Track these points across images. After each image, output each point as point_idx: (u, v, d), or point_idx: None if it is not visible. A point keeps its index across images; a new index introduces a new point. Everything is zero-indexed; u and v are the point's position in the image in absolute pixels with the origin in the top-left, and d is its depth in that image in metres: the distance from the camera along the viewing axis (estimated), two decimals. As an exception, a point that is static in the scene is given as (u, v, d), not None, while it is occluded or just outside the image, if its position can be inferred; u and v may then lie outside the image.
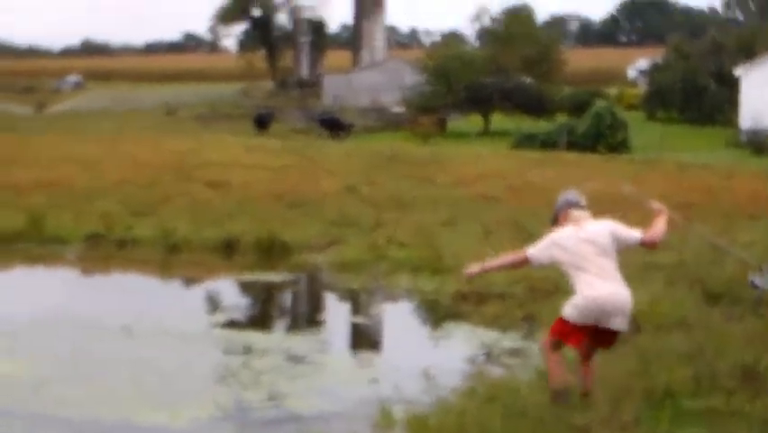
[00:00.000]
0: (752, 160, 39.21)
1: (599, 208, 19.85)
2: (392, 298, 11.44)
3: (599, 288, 5.93)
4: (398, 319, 10.43)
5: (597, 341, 5.99)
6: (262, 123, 42.49)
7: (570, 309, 6.07)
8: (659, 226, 6.11)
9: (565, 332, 6.02)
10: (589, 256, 6.04)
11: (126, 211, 16.10)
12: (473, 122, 46.36)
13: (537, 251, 6.21)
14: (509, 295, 10.37)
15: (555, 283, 10.30)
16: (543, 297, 10.08)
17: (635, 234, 6.17)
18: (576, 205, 6.34)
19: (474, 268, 6.34)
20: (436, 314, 10.40)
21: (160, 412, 6.70)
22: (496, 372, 7.30)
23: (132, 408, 6.78)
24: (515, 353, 8.30)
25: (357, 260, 13.11)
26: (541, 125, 41.26)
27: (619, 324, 5.97)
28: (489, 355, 8.30)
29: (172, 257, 13.90)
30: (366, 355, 8.76)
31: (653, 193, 22.21)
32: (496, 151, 34.49)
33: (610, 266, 6.08)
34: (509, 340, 8.81)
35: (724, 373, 6.28)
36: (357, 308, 11.17)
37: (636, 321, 8.30)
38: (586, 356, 6.02)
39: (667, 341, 7.25)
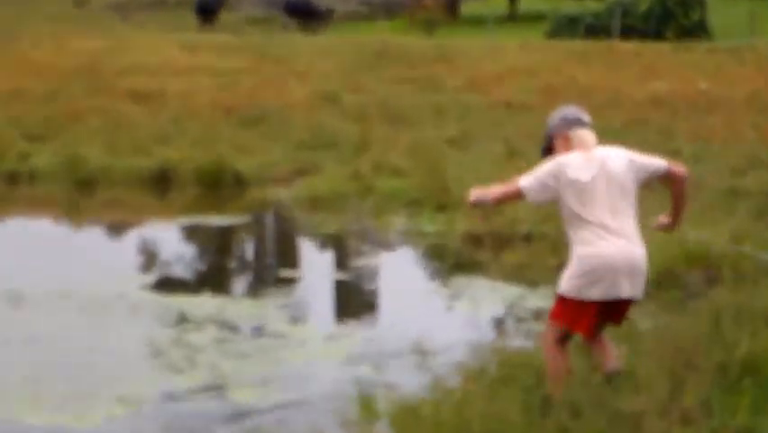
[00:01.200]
0: None
1: (664, 112, 19.75)
2: (382, 244, 11.38)
3: (603, 245, 5.70)
4: (390, 274, 10.37)
5: (605, 317, 5.81)
6: (207, 11, 42.01)
7: (568, 282, 5.88)
8: None
9: (570, 316, 5.79)
10: (602, 196, 5.75)
11: (20, 133, 15.98)
12: (495, 2, 45.94)
13: (535, 181, 5.91)
14: (539, 236, 10.29)
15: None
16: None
17: (659, 162, 5.91)
18: (578, 123, 6.05)
19: (475, 193, 6.18)
20: (441, 265, 10.35)
21: (61, 410, 6.63)
22: (517, 343, 7.22)
23: (22, 406, 6.71)
24: (544, 315, 8.22)
25: (335, 194, 13.07)
26: (587, 5, 40.86)
27: (631, 290, 5.75)
28: (510, 320, 8.23)
29: (83, 195, 13.83)
30: (344, 324, 8.70)
31: (740, 93, 22.34)
32: (525, 41, 34.22)
33: (627, 212, 5.80)
34: (537, 298, 8.75)
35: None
36: (334, 260, 11.10)
37: (712, 268, 8.27)
38: (593, 337, 5.87)
39: (753, 295, 7.16)
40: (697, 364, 5.69)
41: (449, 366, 6.66)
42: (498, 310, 8.50)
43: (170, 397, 6.85)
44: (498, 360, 6.42)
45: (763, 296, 7.03)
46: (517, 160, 14.30)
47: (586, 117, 6.10)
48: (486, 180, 12.59)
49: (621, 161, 5.85)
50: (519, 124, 17.75)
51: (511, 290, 9.05)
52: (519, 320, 8.23)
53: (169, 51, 25.54)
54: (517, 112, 19.75)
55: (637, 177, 5.84)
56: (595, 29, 35.80)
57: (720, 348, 5.92)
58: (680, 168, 5.94)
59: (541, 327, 7.79)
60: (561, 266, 9.33)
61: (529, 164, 13.47)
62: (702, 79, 24.20)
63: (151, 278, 10.07)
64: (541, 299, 8.66)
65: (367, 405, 6.07)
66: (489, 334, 7.30)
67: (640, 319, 7.34)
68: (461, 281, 9.54)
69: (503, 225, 10.63)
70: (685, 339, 6.23)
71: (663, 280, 8.19)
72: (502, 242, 10.33)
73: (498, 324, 8.08)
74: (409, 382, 6.54)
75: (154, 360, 7.57)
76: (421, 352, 7.08)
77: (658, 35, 35.03)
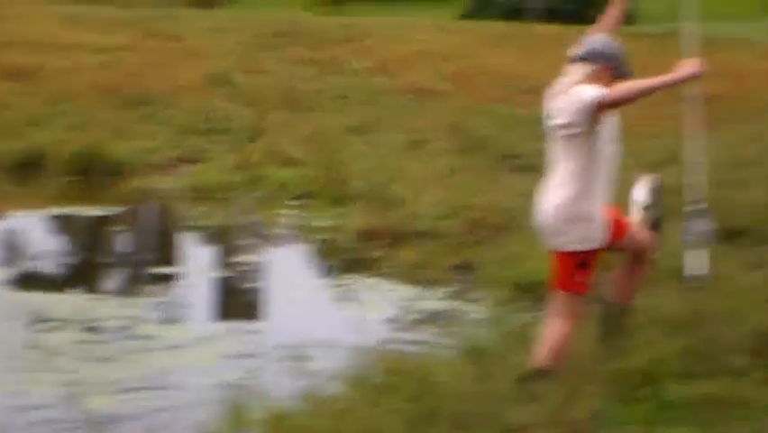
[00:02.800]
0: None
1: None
2: (269, 239, 11.28)
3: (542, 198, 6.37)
4: (276, 271, 10.28)
5: None
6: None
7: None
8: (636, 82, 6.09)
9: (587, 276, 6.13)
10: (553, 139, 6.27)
11: None
12: (408, -21, 46.05)
13: None
14: (439, 233, 10.28)
15: (508, 214, 10.27)
16: (488, 236, 10.03)
17: (593, 91, 6.05)
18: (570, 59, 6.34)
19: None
20: (332, 263, 10.29)
21: None
22: (406, 348, 7.18)
23: None
24: (439, 318, 8.23)
25: (221, 184, 12.96)
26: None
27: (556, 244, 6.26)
28: (401, 323, 8.19)
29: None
30: (221, 326, 8.60)
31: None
32: (438, 22, 34.30)
33: (564, 158, 6.22)
34: (432, 300, 8.73)
35: (731, 346, 6.25)
36: (215, 256, 10.98)
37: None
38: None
39: (659, 298, 7.21)
40: (592, 373, 5.70)
41: (330, 372, 6.58)
42: (389, 312, 8.46)
43: (20, 406, 6.68)
44: (385, 366, 6.35)
45: (670, 299, 7.08)
46: (423, 150, 14.36)
47: (582, 51, 6.34)
48: (387, 172, 12.66)
49: (575, 96, 6.15)
50: (427, 113, 17.78)
51: (405, 291, 9.01)
52: (411, 323, 8.19)
53: (48, 25, 25.11)
54: (426, 99, 19.77)
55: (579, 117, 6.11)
56: (513, 11, 36.03)
57: (623, 354, 5.96)
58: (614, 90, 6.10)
59: (435, 331, 7.81)
60: (460, 266, 9.43)
61: (435, 156, 13.63)
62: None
63: (9, 273, 9.86)
64: (436, 301, 8.65)
65: (237, 413, 5.97)
66: (376, 337, 7.22)
67: (542, 325, 7.35)
68: (352, 280, 9.49)
69: (400, 221, 10.59)
70: (588, 345, 6.25)
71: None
72: (399, 239, 10.28)
73: (388, 327, 8.03)
74: (286, 388, 6.46)
75: (3, 364, 7.39)
76: (300, 356, 7.00)
77: (580, 19, 35.33)
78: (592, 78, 6.14)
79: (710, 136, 15.82)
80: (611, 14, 6.74)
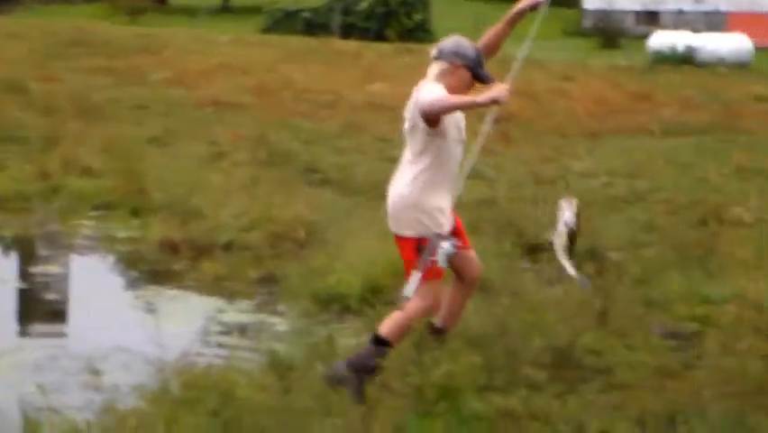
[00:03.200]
0: (599, 54, 41.11)
1: (383, 117, 19.95)
2: (68, 250, 11.00)
3: None
4: (74, 283, 10.01)
5: None
6: None
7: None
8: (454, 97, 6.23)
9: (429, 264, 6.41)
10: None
11: None
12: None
13: None
14: (242, 245, 10.22)
15: (310, 229, 10.29)
16: (290, 249, 10.02)
17: (426, 95, 6.33)
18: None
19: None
20: (133, 274, 10.10)
21: None
22: (206, 361, 7.08)
23: None
24: (241, 331, 8.16)
25: (17, 193, 12.59)
26: (306, 0, 41.22)
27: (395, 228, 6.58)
28: (201, 336, 8.10)
29: None
30: (13, 340, 8.32)
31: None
32: (240, 35, 34.21)
33: (409, 150, 6.58)
34: (235, 312, 8.66)
35: (528, 360, 6.39)
36: (10, 268, 10.65)
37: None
38: None
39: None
40: (393, 387, 5.73)
41: (129, 385, 6.45)
42: (191, 325, 8.34)
43: None
44: (185, 380, 6.26)
45: (467, 314, 7.19)
46: (224, 161, 14.27)
47: (438, 50, 6.61)
48: (188, 184, 12.51)
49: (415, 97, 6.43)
50: (227, 125, 17.68)
51: (207, 303, 8.91)
52: (211, 336, 8.10)
53: None
54: (227, 111, 19.69)
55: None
56: (314, 26, 36.22)
57: (418, 370, 6.01)
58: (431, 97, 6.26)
59: (238, 343, 7.76)
60: (263, 279, 9.38)
61: (236, 168, 13.54)
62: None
63: None
64: (239, 314, 8.59)
65: (31, 430, 5.81)
66: (177, 350, 7.11)
67: (344, 338, 7.38)
68: (153, 293, 9.33)
69: (203, 233, 10.48)
70: (389, 361, 6.29)
71: (370, 294, 8.26)
72: (201, 250, 10.16)
73: (190, 340, 7.91)
74: (82, 402, 6.32)
75: None
76: (98, 369, 6.84)
77: (380, 35, 35.78)
78: (442, 77, 6.43)
79: (509, 154, 16.30)
80: (498, 30, 6.90)
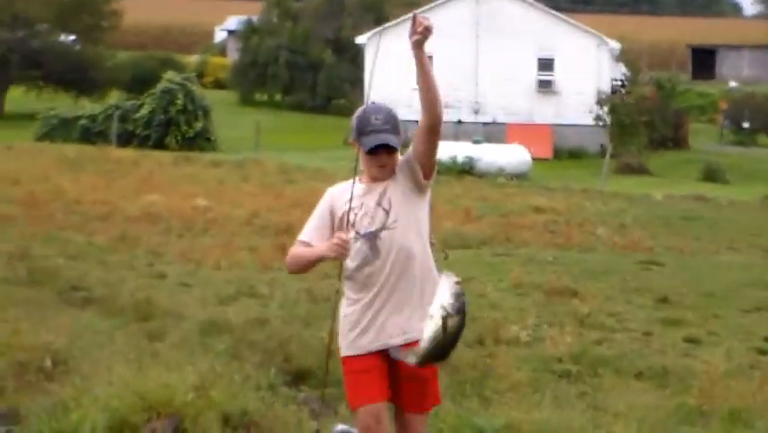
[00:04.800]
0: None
1: (157, 229, 19.11)
2: None
3: None
4: None
5: None
6: None
7: None
8: None
9: None
10: None
11: None
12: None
13: None
14: None
15: (59, 357, 9.50)
16: (36, 381, 9.15)
17: None
18: None
19: None
20: None
21: None
22: None
23: None
24: None
25: None
26: (84, 106, 40.28)
27: None
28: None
29: None
30: None
31: (241, 211, 22.22)
32: (11, 143, 33.07)
33: None
34: None
35: None
36: None
37: (176, 417, 7.71)
38: None
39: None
40: None
41: None
42: None
43: None
44: None
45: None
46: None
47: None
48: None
49: None
50: (-8, 240, 16.71)
51: None
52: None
53: None
54: (-8, 224, 18.65)
55: None
56: (92, 133, 35.29)
57: None
58: None
59: None
60: (4, 415, 8.50)
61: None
62: (202, 197, 24.19)
63: None
64: None
65: None
66: None
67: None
68: None
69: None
70: None
71: (120, 432, 7.52)
72: None
73: None
74: None
75: None
76: None
77: (159, 143, 35.08)
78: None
79: (284, 269, 15.77)
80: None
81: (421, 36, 5.34)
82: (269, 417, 7.76)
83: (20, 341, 9.68)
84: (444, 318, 5.25)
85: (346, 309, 5.80)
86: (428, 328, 5.31)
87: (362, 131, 5.66)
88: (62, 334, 10.12)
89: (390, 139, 5.62)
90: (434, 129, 5.53)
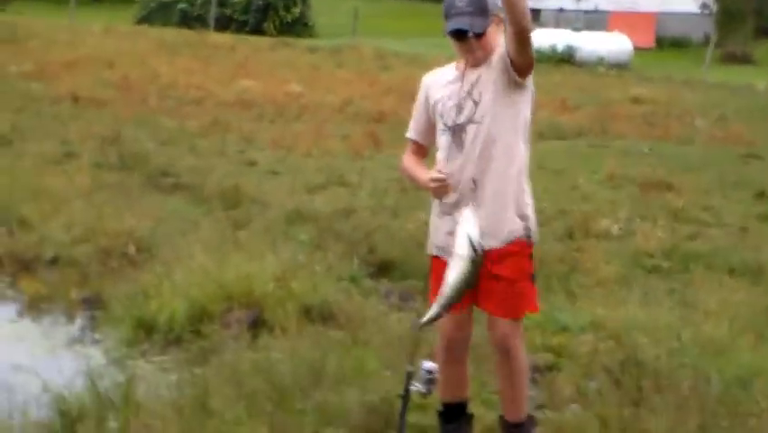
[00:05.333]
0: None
1: (249, 115, 19.11)
2: None
3: None
4: None
5: None
6: None
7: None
8: None
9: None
10: None
11: None
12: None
13: None
14: (69, 261, 9.32)
15: (143, 243, 9.48)
16: (120, 266, 9.14)
17: None
18: None
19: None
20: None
21: None
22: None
23: None
24: (56, 365, 7.30)
25: None
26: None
27: None
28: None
29: None
30: None
31: (335, 99, 22.13)
32: (111, 25, 33.11)
33: None
34: (43, 341, 7.75)
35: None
36: None
37: (257, 308, 7.65)
38: None
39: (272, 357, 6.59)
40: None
41: None
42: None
43: None
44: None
45: (299, 349, 6.49)
46: (69, 164, 13.39)
47: None
48: (23, 190, 11.51)
49: None
50: (84, 122, 16.80)
51: (16, 330, 8.03)
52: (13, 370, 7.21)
53: None
54: (86, 107, 18.73)
55: None
56: (190, 17, 35.24)
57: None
58: None
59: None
60: (87, 300, 8.52)
61: (82, 171, 12.62)
62: (296, 83, 24.04)
63: None
64: (53, 342, 7.72)
65: None
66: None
67: (160, 373, 6.65)
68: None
69: (28, 246, 9.58)
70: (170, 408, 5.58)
71: (199, 321, 7.49)
72: (24, 265, 9.27)
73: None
74: None
75: None
76: None
77: (257, 28, 34.93)
78: None
79: (376, 158, 15.64)
80: None
81: None
82: (349, 309, 7.66)
83: (105, 226, 9.71)
84: (473, 260, 5.00)
85: (434, 205, 5.52)
86: (454, 270, 5.03)
87: (447, 13, 5.28)
88: (147, 219, 10.12)
89: (467, 23, 5.19)
90: (521, 38, 5.07)
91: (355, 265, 8.99)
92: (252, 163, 14.63)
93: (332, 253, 9.11)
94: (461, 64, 5.40)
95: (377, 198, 12.46)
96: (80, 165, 13.21)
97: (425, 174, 5.36)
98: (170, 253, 8.85)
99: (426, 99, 5.54)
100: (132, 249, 9.24)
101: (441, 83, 5.48)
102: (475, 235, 4.98)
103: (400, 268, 9.27)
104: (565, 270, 9.55)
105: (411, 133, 5.64)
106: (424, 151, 5.64)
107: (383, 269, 9.33)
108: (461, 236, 5.00)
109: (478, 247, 4.98)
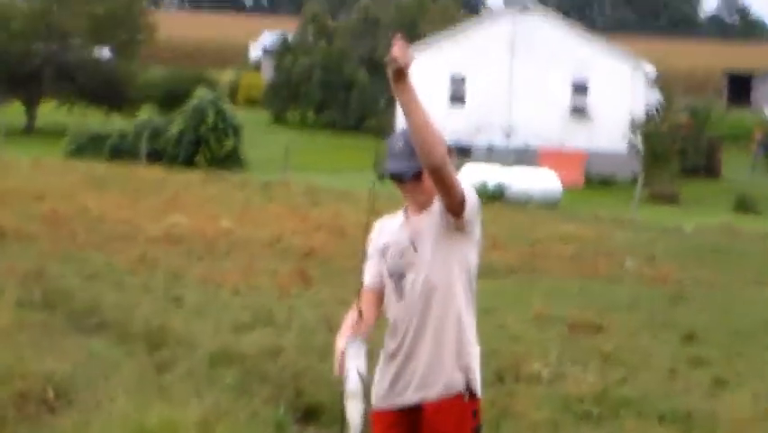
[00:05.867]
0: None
1: (178, 251, 18.83)
2: None
3: None
4: None
5: None
6: None
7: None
8: None
9: None
10: None
11: None
12: (11, 112, 44.39)
13: None
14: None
15: (62, 387, 9.24)
16: (37, 412, 8.89)
17: None
18: None
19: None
20: None
21: None
22: None
23: None
24: None
25: None
26: (115, 123, 40.22)
27: None
28: None
29: None
30: None
31: (264, 234, 22.00)
32: (41, 158, 32.99)
33: None
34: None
35: None
36: None
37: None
38: None
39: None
40: None
41: None
42: None
43: None
44: None
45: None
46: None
47: None
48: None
49: None
50: (8, 257, 16.50)
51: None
52: None
53: None
54: (10, 242, 18.45)
55: None
56: (121, 150, 35.17)
57: None
58: None
59: None
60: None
61: (4, 308, 12.36)
62: (226, 219, 23.92)
63: None
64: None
65: None
66: None
67: None
68: None
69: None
70: None
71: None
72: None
73: None
74: None
75: None
76: None
77: (189, 161, 34.93)
78: None
79: (305, 295, 15.51)
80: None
81: (394, 65, 4.68)
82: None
83: (23, 369, 9.45)
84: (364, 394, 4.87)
85: (381, 356, 5.35)
86: (355, 411, 4.83)
87: (388, 154, 5.22)
88: (68, 362, 9.88)
89: (405, 165, 5.12)
90: (436, 177, 4.96)
91: (282, 410, 8.81)
92: (179, 300, 14.44)
93: (257, 398, 8.93)
94: (407, 209, 5.32)
95: (304, 337, 12.29)
96: (2, 303, 12.93)
97: (341, 340, 5.06)
98: (91, 398, 8.62)
99: (376, 244, 5.40)
100: (50, 394, 8.98)
101: (390, 229, 5.36)
102: (363, 369, 4.84)
103: (329, 412, 9.10)
104: (496, 414, 9.43)
105: (365, 280, 5.36)
106: (382, 297, 5.39)
107: (310, 413, 9.16)
108: (352, 370, 4.84)
109: (366, 382, 4.85)
